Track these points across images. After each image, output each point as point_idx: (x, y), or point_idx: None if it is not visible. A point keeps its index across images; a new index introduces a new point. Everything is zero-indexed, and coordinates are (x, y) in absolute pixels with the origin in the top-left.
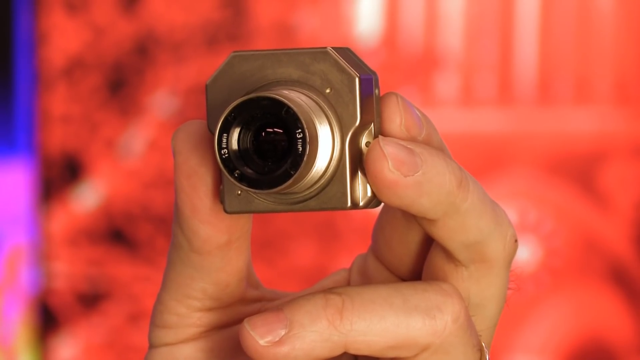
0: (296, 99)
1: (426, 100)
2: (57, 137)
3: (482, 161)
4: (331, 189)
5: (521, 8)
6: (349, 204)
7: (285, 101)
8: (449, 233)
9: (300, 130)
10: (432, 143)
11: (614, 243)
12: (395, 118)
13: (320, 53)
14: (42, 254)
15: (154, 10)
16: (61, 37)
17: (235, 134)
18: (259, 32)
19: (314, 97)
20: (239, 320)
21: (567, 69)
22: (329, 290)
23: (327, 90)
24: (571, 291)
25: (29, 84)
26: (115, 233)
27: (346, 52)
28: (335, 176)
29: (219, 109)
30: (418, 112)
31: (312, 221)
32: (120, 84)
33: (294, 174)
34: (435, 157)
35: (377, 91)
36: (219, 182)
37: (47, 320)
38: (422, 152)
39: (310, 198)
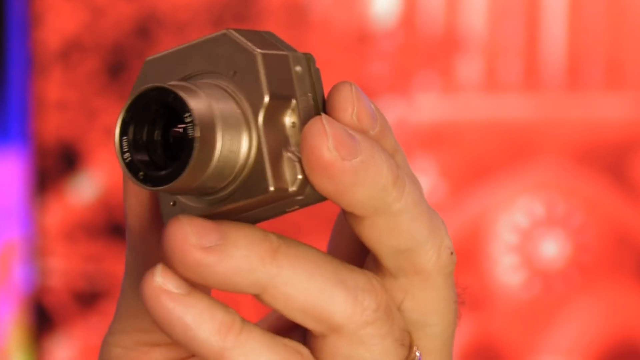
0: (191, 86)
1: (447, 85)
2: (53, 125)
3: (507, 150)
4: (252, 176)
5: None
6: (272, 187)
7: (169, 87)
8: (377, 234)
9: (188, 114)
10: (385, 140)
11: None
12: (347, 107)
13: (220, 37)
14: (36, 250)
15: None
16: (57, 18)
17: (132, 134)
18: (268, 13)
19: (223, 83)
20: None
21: (597, 51)
22: (271, 232)
23: (232, 74)
24: (602, 289)
25: (23, 68)
26: (115, 227)
27: (259, 34)
28: (254, 162)
29: None
30: (372, 106)
31: (324, 214)
32: (120, 67)
33: (190, 161)
34: (375, 148)
35: (298, 68)
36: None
37: (42, 320)
38: (362, 140)
39: (236, 191)
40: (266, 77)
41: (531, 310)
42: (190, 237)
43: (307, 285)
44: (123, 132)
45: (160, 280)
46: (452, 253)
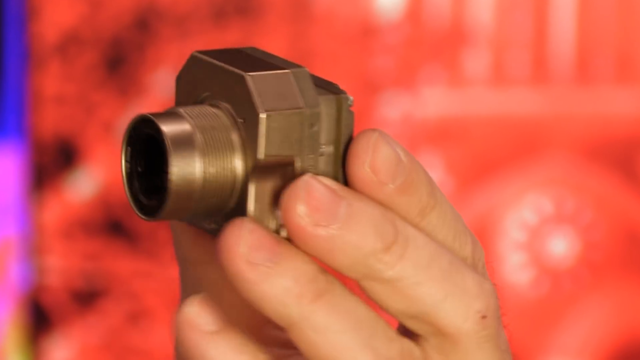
0: (191, 130)
1: (454, 80)
2: (50, 120)
3: (515, 146)
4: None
5: None
6: None
7: (165, 132)
8: (378, 298)
9: (168, 167)
10: (409, 194)
11: None
12: (364, 157)
13: (239, 77)
14: (33, 248)
15: None
16: (54, 11)
17: (137, 150)
18: (270, 5)
19: (231, 121)
20: None
21: (607, 45)
22: (329, 274)
23: (242, 120)
24: (612, 287)
25: (20, 62)
26: (114, 224)
27: (284, 78)
28: (239, 214)
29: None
30: (402, 155)
31: None
32: (119, 61)
33: (162, 208)
34: (364, 212)
35: (315, 128)
36: None
37: (39, 320)
38: (352, 202)
39: (219, 229)
40: (266, 139)
41: (540, 309)
42: (241, 245)
43: (336, 341)
44: (129, 143)
45: (194, 312)
46: (484, 317)
